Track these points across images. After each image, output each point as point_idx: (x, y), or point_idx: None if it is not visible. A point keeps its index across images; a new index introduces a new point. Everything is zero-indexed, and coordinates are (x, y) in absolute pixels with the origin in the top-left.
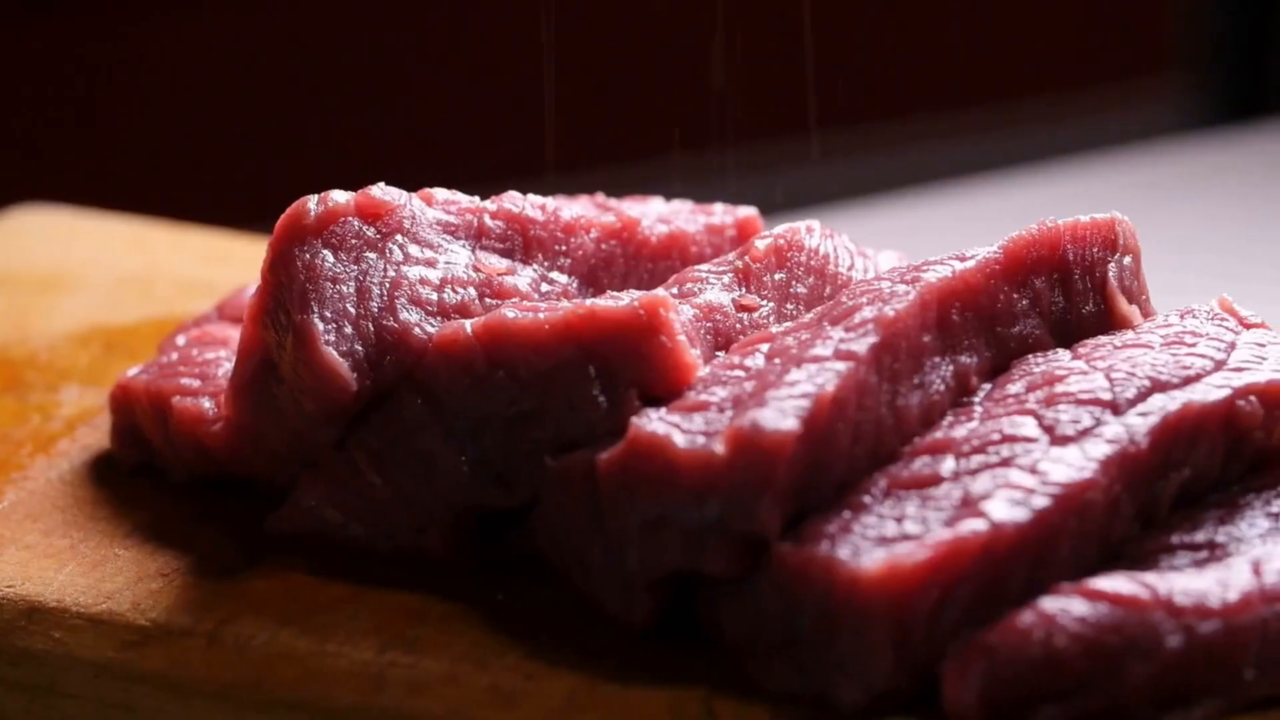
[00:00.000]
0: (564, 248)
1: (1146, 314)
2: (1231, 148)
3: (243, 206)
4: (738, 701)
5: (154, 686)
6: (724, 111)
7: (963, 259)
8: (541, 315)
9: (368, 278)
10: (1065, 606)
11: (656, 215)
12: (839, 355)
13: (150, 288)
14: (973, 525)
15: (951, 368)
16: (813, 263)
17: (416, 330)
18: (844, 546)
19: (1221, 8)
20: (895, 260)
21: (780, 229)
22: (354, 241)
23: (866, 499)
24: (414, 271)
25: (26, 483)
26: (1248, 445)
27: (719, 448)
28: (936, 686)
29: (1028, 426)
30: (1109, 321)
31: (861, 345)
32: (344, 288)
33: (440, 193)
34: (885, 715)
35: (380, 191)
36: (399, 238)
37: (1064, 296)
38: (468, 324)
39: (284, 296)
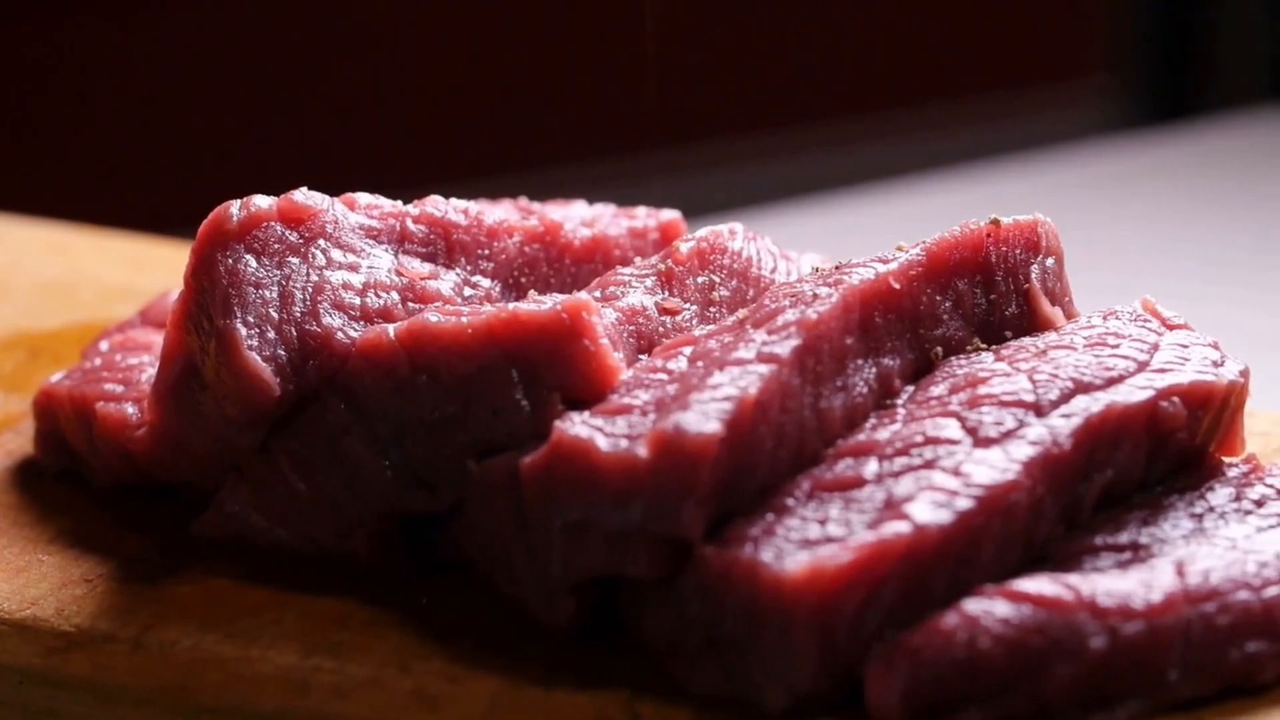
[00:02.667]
0: (487, 252)
1: (1070, 315)
2: (1155, 149)
3: (166, 212)
4: (661, 704)
5: (78, 692)
6: (647, 116)
7: (885, 261)
8: (464, 319)
9: (290, 282)
10: (989, 608)
11: (579, 219)
12: (761, 358)
13: (73, 293)
14: (896, 527)
15: (874, 370)
16: (735, 265)
17: (339, 335)
18: (767, 549)
19: (1145, 12)
20: (818, 262)
21: (703, 232)
22: (276, 246)
23: (790, 501)
24: (337, 276)
25: None
26: (1171, 446)
27: (642, 451)
28: (860, 688)
29: (951, 428)
30: (1032, 323)
31: (784, 348)
32: (267, 293)
33: (363, 197)
34: (809, 717)
35: (303, 196)
36: (321, 242)
37: (987, 298)
38: (390, 328)
39: (207, 302)
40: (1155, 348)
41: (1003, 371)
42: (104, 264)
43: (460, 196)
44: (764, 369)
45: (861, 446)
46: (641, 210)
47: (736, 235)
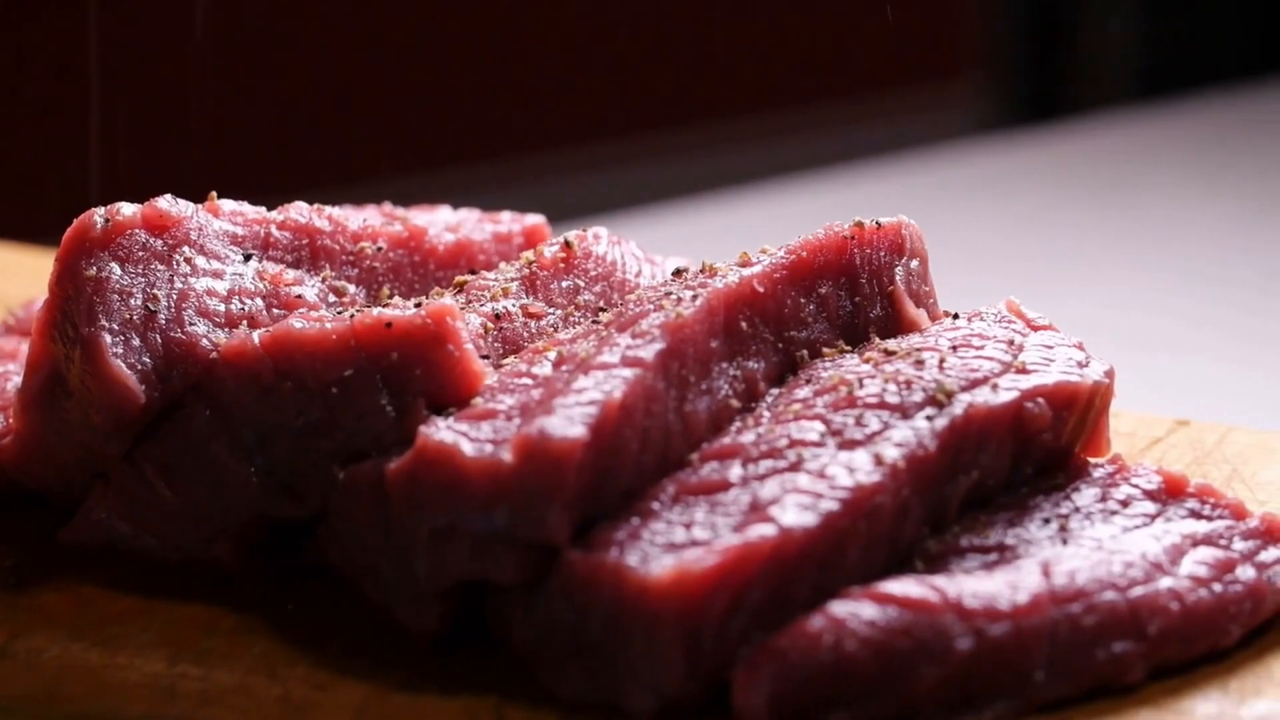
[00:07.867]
0: (351, 257)
1: (934, 317)
2: (1021, 151)
3: (30, 218)
4: (529, 709)
5: None
6: (510, 121)
7: (749, 264)
8: (328, 325)
9: (155, 289)
10: (855, 610)
11: (444, 224)
12: (626, 362)
13: None
14: (761, 530)
15: (739, 373)
16: (600, 270)
17: (204, 341)
18: (633, 553)
19: (1011, 13)
20: (683, 266)
21: (567, 236)
22: (141, 254)
23: (655, 505)
24: (201, 283)
25: None
26: (1036, 447)
27: (507, 456)
28: (727, 692)
29: (815, 431)
30: (897, 325)
31: (649, 352)
32: (131, 300)
33: (227, 204)
34: None
35: (167, 203)
36: (186, 249)
37: (851, 301)
38: (255, 335)
39: (71, 309)
40: (1020, 349)
41: (867, 374)
42: None
43: (325, 203)
44: (628, 373)
45: (726, 450)
46: (506, 215)
47: (601, 239)
